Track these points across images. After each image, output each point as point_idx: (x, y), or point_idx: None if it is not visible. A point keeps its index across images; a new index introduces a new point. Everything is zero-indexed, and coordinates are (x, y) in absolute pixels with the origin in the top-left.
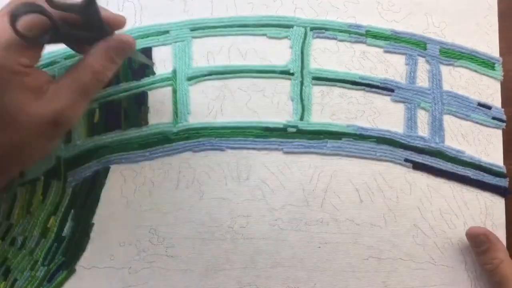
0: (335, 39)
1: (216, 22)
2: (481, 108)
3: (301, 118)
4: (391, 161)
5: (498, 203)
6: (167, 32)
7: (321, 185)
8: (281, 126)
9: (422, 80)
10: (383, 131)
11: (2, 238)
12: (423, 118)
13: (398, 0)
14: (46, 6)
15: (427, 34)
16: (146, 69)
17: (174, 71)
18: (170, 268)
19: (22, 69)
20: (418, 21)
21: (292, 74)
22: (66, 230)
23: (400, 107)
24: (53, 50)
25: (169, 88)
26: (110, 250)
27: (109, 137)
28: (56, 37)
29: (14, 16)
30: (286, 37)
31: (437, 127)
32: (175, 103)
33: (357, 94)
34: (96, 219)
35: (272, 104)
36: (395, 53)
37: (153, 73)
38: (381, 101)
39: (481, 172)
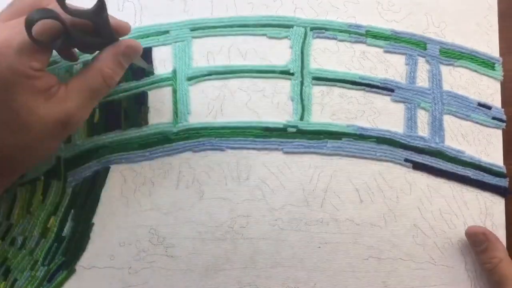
0: (335, 39)
1: (216, 22)
2: (481, 108)
3: (301, 118)
4: (391, 161)
5: (498, 203)
6: (167, 32)
7: (321, 185)
8: (281, 126)
9: (422, 80)
10: (383, 131)
11: (2, 238)
12: (423, 118)
13: (398, 0)
14: (59, 11)
15: (427, 34)
16: (146, 70)
17: (174, 71)
18: (170, 268)
19: (33, 72)
20: (418, 21)
21: (292, 74)
22: (66, 230)
23: (400, 107)
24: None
25: (169, 88)
26: (110, 250)
27: (109, 137)
28: (67, 42)
29: (29, 22)
30: (286, 37)
31: (437, 127)
32: (175, 103)
33: (357, 94)
34: (96, 219)
35: (272, 104)
36: (395, 53)
37: (153, 73)
38: (381, 101)
39: (481, 172)
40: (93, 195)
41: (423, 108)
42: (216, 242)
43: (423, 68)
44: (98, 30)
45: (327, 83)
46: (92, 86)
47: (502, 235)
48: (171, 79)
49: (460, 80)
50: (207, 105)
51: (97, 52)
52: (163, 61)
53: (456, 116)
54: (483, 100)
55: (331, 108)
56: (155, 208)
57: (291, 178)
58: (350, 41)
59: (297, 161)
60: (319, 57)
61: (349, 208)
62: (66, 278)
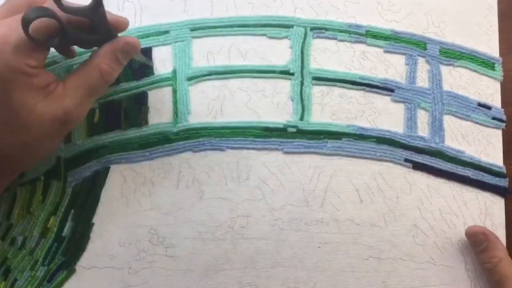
0: (335, 39)
1: (216, 22)
2: (481, 108)
3: (301, 118)
4: (391, 161)
5: (498, 203)
6: (167, 32)
7: (321, 185)
8: (281, 126)
9: (422, 80)
10: (383, 131)
11: (2, 238)
12: (423, 118)
13: (398, 0)
14: (56, 9)
15: (427, 34)
16: (146, 69)
17: (174, 71)
18: (170, 268)
19: (30, 70)
20: (418, 21)
21: (292, 74)
22: (66, 230)
23: (400, 107)
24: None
25: (169, 88)
26: (110, 250)
27: (109, 137)
28: (64, 39)
29: (26, 20)
30: (286, 37)
31: (437, 127)
32: (175, 103)
33: (357, 94)
34: (96, 219)
35: (272, 104)
36: (395, 53)
37: (153, 73)
38: (381, 101)
39: (481, 172)
40: (93, 195)
41: (423, 108)
42: (216, 242)
43: (423, 68)
44: (95, 26)
45: (327, 83)
46: (90, 83)
47: (502, 235)
48: (171, 79)
49: (460, 80)
50: (207, 105)
51: (95, 48)
52: (163, 61)
53: (456, 116)
54: (483, 100)
55: (331, 108)
56: (155, 208)
57: (291, 178)
58: (350, 41)
59: (297, 161)
60: (319, 57)
61: (349, 208)
62: (66, 278)
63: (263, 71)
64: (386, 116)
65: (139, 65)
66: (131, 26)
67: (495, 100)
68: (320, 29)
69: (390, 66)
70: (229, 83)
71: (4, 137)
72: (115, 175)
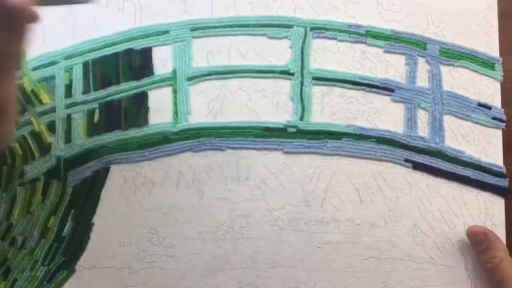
0: (335, 39)
1: (216, 22)
2: (481, 108)
3: (301, 118)
4: (391, 161)
5: (498, 203)
6: (167, 32)
7: (321, 185)
8: (281, 126)
9: (422, 80)
10: (383, 131)
11: (2, 238)
12: (423, 118)
13: (398, 0)
14: None
15: (427, 34)
16: (146, 69)
17: (174, 71)
18: (170, 268)
19: None
20: (418, 21)
21: (292, 74)
22: (66, 230)
23: (400, 107)
24: (53, 50)
25: (169, 88)
26: (110, 250)
27: (109, 137)
28: None
29: None
30: (286, 37)
31: (437, 127)
32: (175, 103)
33: (357, 94)
34: (96, 219)
35: (272, 104)
36: (395, 53)
37: (153, 73)
38: (381, 101)
39: (481, 172)
40: (93, 195)
41: (423, 108)
42: (216, 242)
43: (423, 68)
44: None
45: (327, 83)
46: None
47: (502, 235)
48: (171, 79)
49: (460, 80)
50: (207, 105)
51: None
52: (163, 61)
53: (456, 116)
54: (483, 100)
55: (331, 108)
56: (155, 208)
57: (291, 178)
58: (350, 41)
59: (297, 161)
60: (319, 57)
61: (349, 208)
62: (66, 278)
63: (263, 71)
64: (386, 116)
65: (139, 65)
66: (131, 26)
67: (495, 100)
68: (320, 29)
69: (390, 66)
70: (229, 83)
71: None
72: (115, 175)
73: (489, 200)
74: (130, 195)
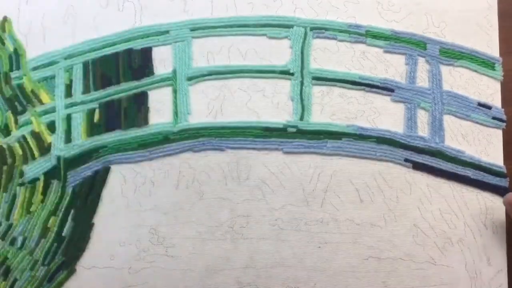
0: (335, 39)
1: (216, 22)
2: (481, 108)
3: (301, 118)
4: (391, 161)
5: (498, 203)
6: (167, 32)
7: (321, 185)
8: (281, 126)
9: (422, 80)
10: (383, 131)
11: (2, 238)
12: (423, 118)
13: (398, 0)
14: None
15: (427, 34)
16: (146, 69)
17: (174, 71)
18: (170, 268)
19: None
20: (418, 21)
21: (292, 74)
22: (66, 230)
23: (400, 107)
24: (53, 50)
25: (169, 88)
26: (110, 250)
27: (109, 137)
28: None
29: None
30: (286, 37)
31: (437, 127)
32: (175, 103)
33: (357, 94)
34: (96, 219)
35: (272, 104)
36: (395, 53)
37: (153, 73)
38: (381, 101)
39: (481, 172)
40: (93, 195)
41: (423, 108)
42: (216, 242)
43: (423, 68)
44: None
45: (327, 83)
46: None
47: (502, 235)
48: (171, 79)
49: (460, 80)
50: (207, 105)
51: None
52: (163, 61)
53: (456, 116)
54: (483, 100)
55: (331, 108)
56: (155, 208)
57: (291, 178)
58: (350, 41)
59: (297, 161)
60: (319, 57)
61: (349, 208)
62: (66, 278)
63: (263, 71)
64: (386, 116)
65: (139, 65)
66: (131, 26)
67: (495, 100)
68: (320, 29)
69: (390, 66)
70: (229, 83)
71: None
72: (115, 175)
73: (489, 200)
74: (130, 195)
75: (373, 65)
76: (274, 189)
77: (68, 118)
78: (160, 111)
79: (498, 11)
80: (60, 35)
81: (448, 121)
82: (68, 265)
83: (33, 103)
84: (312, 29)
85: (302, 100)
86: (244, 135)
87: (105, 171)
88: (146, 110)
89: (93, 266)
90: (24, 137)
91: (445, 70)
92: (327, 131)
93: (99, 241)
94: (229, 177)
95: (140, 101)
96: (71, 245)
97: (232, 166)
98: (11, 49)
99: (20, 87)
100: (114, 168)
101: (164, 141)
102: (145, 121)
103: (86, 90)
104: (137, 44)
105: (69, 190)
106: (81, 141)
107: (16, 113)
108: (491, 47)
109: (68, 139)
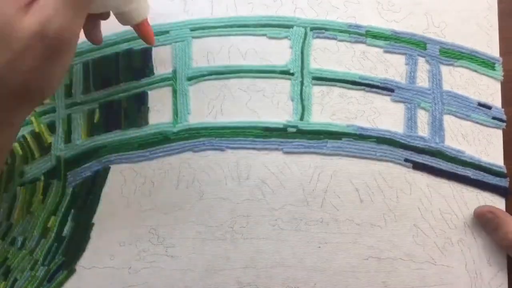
0: (335, 39)
1: (216, 22)
2: (481, 108)
3: (301, 118)
4: (391, 161)
5: (498, 203)
6: (167, 32)
7: (321, 185)
8: (281, 126)
9: (422, 80)
10: (383, 131)
11: (2, 238)
12: (423, 118)
13: (398, 0)
14: None
15: (427, 34)
16: (146, 69)
17: (174, 71)
18: (170, 268)
19: None
20: (418, 21)
21: (292, 74)
22: (66, 230)
23: (400, 107)
24: None
25: (169, 88)
26: (110, 250)
27: (109, 137)
28: None
29: None
30: (286, 37)
31: (437, 127)
32: (175, 103)
33: (357, 94)
34: (96, 219)
35: (272, 104)
36: (395, 53)
37: (153, 73)
38: (381, 101)
39: (481, 172)
40: (93, 195)
41: (423, 108)
42: (216, 242)
43: (423, 68)
44: None
45: (327, 83)
46: None
47: None
48: (171, 79)
49: (460, 80)
50: (207, 105)
51: None
52: (163, 61)
53: (456, 116)
54: (483, 100)
55: (331, 108)
56: (155, 208)
57: (291, 178)
58: (350, 41)
59: (297, 161)
60: (319, 57)
61: (349, 208)
62: (66, 278)
63: (263, 71)
64: (386, 116)
65: (139, 65)
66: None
67: (495, 100)
68: (320, 29)
69: (390, 66)
70: (229, 83)
71: None
72: (115, 175)
73: (489, 200)
74: (130, 195)
75: (373, 65)
76: (274, 189)
77: (68, 118)
78: (160, 111)
79: (498, 11)
80: None
81: (448, 121)
82: (68, 265)
83: None
84: (312, 29)
85: (302, 100)
86: (244, 135)
87: (105, 171)
88: (146, 110)
89: (93, 266)
90: (24, 137)
91: (445, 70)
92: (327, 131)
93: (99, 241)
94: (229, 177)
95: (140, 101)
96: (71, 245)
97: (232, 166)
98: None
99: None
100: (114, 168)
101: (164, 141)
102: (145, 121)
103: (86, 90)
104: (137, 44)
105: (69, 190)
106: (81, 141)
107: None
108: (491, 47)
109: (68, 139)
